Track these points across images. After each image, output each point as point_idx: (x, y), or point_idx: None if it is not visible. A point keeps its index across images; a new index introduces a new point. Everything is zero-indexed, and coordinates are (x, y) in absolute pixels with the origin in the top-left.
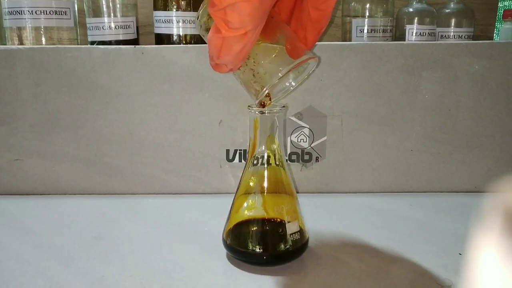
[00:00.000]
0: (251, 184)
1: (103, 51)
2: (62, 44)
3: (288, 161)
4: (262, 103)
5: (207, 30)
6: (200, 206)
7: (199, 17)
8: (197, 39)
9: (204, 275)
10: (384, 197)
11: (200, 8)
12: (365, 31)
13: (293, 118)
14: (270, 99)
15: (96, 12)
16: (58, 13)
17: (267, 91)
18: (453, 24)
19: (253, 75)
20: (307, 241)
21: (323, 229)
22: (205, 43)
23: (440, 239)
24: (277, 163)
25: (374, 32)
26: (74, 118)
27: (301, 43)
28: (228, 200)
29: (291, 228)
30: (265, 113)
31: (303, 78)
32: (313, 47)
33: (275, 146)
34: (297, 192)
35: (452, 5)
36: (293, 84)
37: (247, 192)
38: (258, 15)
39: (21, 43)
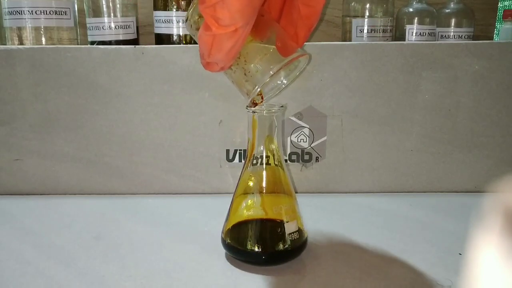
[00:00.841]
0: (250, 184)
1: (103, 51)
2: (62, 44)
3: (288, 161)
4: (254, 102)
5: (198, 29)
6: (200, 206)
7: (189, 17)
8: None
9: (204, 275)
10: (384, 197)
11: (190, 8)
12: (365, 31)
13: (293, 118)
14: (262, 98)
15: (96, 12)
16: (58, 13)
17: (259, 90)
18: (453, 24)
19: (245, 74)
20: (305, 241)
21: (323, 229)
22: None
23: (440, 239)
24: (275, 163)
25: (374, 32)
26: (74, 118)
27: (292, 40)
28: (228, 200)
29: (289, 227)
30: (263, 113)
31: (295, 75)
32: (303, 44)
33: (273, 146)
34: (297, 192)
35: (452, 5)
36: (285, 81)
37: (246, 192)
38: (248, 12)
39: (21, 43)
